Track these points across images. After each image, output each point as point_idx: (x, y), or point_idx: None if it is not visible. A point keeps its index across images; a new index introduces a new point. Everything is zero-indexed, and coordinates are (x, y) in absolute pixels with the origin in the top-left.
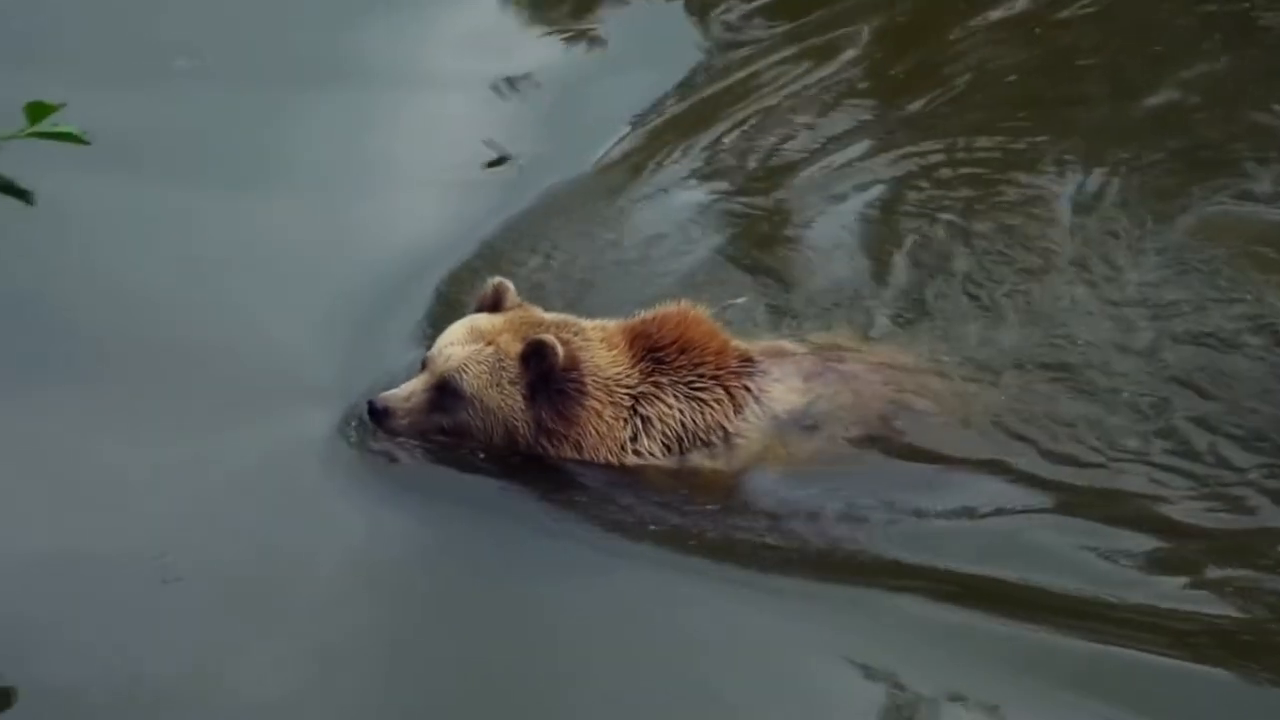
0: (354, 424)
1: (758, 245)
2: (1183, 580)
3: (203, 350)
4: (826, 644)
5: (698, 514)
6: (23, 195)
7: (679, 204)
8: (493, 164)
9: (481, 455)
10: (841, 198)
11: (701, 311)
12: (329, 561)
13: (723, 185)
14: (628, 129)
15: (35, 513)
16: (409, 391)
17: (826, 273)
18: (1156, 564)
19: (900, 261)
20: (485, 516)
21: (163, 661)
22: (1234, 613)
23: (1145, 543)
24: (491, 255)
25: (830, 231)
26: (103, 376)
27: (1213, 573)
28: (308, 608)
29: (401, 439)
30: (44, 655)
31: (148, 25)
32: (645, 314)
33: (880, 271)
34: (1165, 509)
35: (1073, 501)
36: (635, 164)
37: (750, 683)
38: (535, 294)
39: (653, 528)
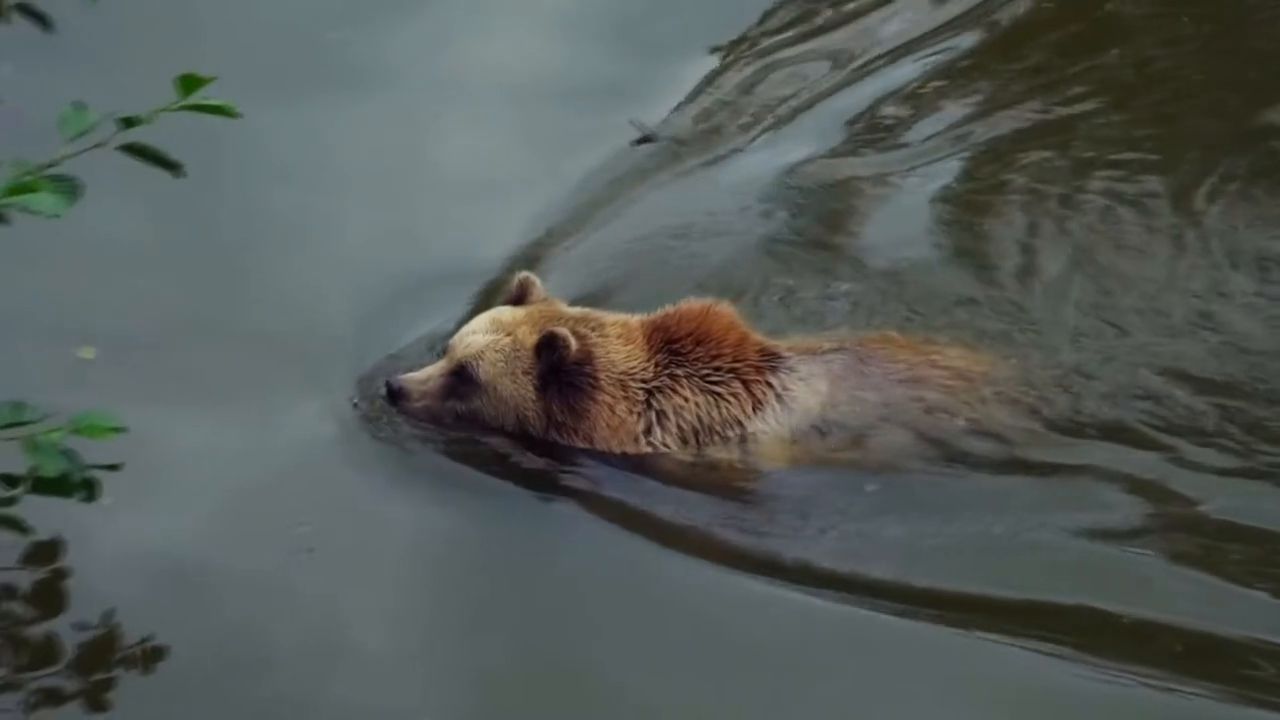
0: (360, 403)
1: (840, 227)
2: None
3: (270, 336)
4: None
5: (713, 509)
6: (172, 167)
7: (757, 180)
8: (639, 142)
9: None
10: (934, 181)
11: (726, 306)
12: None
13: (804, 156)
14: (705, 94)
15: (177, 485)
16: (427, 375)
17: (914, 265)
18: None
19: (1000, 256)
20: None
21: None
22: None
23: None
24: (544, 243)
25: (915, 222)
26: (182, 357)
27: None
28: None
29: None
30: (194, 616)
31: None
32: (668, 308)
33: (979, 267)
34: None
35: (1119, 519)
36: (715, 133)
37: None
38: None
39: (669, 521)
